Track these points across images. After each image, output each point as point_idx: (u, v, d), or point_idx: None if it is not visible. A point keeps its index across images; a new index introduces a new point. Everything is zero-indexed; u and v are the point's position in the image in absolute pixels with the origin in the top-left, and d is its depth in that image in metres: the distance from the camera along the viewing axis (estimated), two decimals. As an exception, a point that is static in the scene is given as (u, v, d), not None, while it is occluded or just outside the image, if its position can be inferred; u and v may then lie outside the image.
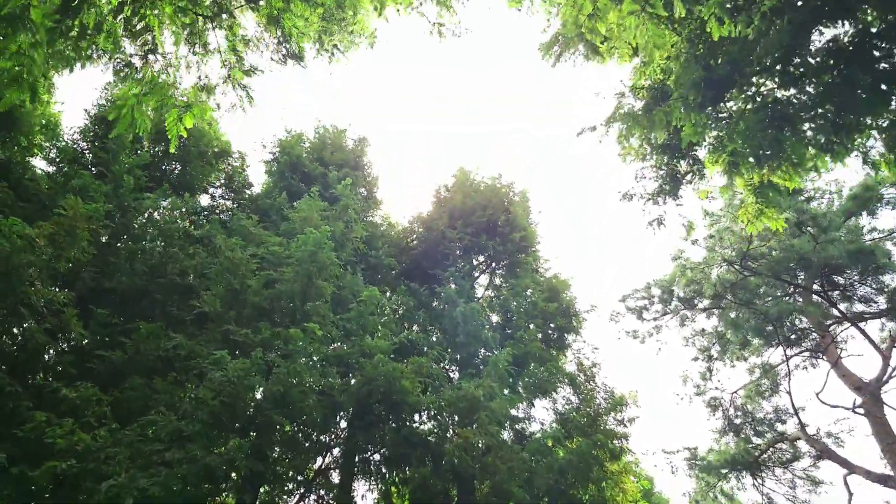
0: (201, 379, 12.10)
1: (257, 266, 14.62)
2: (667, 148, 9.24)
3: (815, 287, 16.85)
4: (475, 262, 21.96)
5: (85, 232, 12.75)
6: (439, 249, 21.01)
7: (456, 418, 13.89)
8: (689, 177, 9.45)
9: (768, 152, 8.08)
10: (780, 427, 20.69)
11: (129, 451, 11.03)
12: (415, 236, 22.33)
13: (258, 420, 11.71)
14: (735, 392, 21.10)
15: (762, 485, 23.23)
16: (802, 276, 16.89)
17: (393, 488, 15.55)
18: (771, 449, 21.52)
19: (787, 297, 17.46)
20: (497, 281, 22.87)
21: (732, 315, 18.20)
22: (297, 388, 11.98)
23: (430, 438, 13.94)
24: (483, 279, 23.14)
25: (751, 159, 8.26)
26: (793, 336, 17.75)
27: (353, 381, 13.61)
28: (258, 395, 11.83)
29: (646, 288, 21.91)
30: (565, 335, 20.88)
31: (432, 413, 13.68)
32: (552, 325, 20.54)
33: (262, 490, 11.60)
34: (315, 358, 12.28)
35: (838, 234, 15.56)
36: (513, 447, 15.40)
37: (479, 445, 15.32)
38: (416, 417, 14.18)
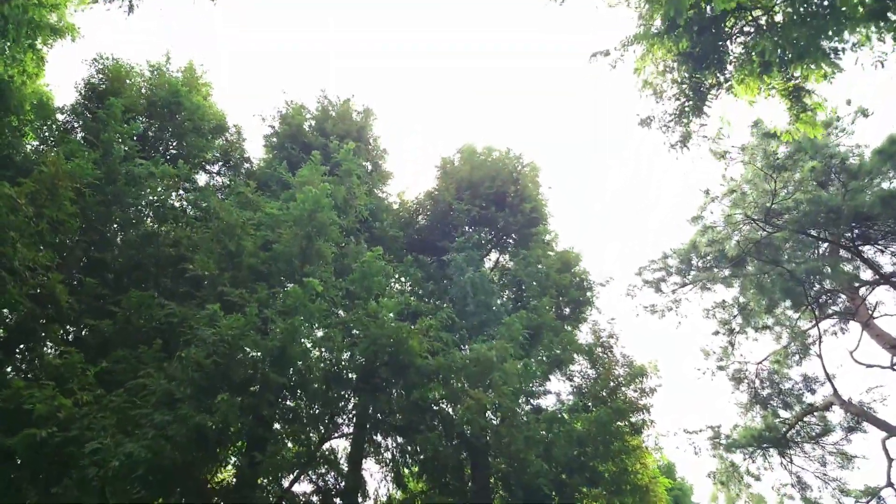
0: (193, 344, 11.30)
1: (254, 229, 13.84)
2: (689, 57, 8.37)
3: (845, 242, 15.84)
4: (484, 237, 21.03)
5: (68, 191, 12.01)
6: (447, 221, 20.17)
7: (466, 385, 12.99)
8: (715, 90, 8.55)
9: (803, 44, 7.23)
10: (809, 398, 19.65)
11: (115, 416, 10.25)
12: (421, 210, 21.50)
13: (255, 381, 10.88)
14: (760, 363, 20.07)
15: (790, 463, 22.17)
16: (831, 232, 15.90)
17: (405, 469, 14.71)
18: (800, 423, 20.46)
19: (816, 255, 16.46)
20: (507, 256, 21.95)
21: (757, 277, 17.19)
22: (297, 347, 11.14)
23: (441, 404, 13.05)
24: (493, 256, 22.24)
25: (787, 54, 7.39)
26: (822, 298, 16.72)
27: (357, 346, 12.72)
28: (254, 355, 10.97)
29: (662, 258, 20.91)
30: (580, 308, 19.97)
31: (442, 377, 12.76)
32: (566, 298, 19.63)
33: (262, 455, 10.72)
34: (316, 316, 11.42)
35: (868, 181, 14.62)
36: (528, 416, 14.51)
37: (493, 414, 14.47)
38: (426, 383, 13.26)
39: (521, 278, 18.98)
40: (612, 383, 16.42)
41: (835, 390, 17.32)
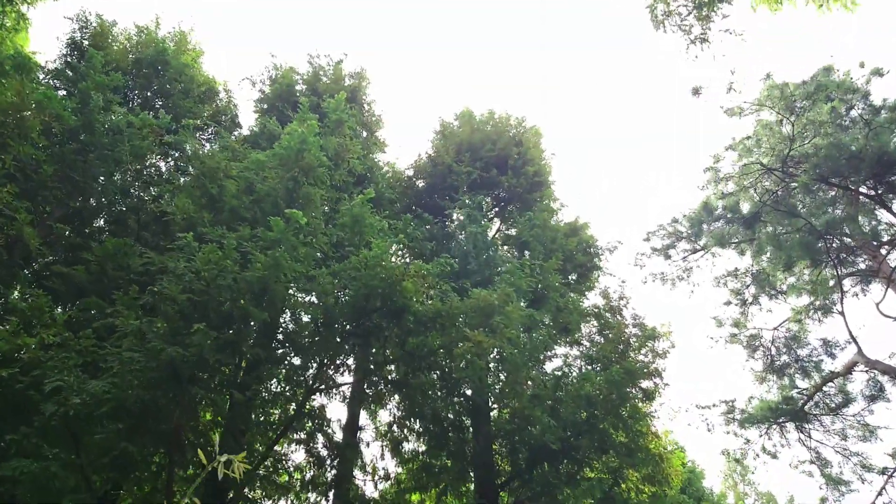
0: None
1: (237, 174, 12.96)
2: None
3: (867, 191, 14.87)
4: (486, 202, 20.09)
5: (35, 121, 11.15)
6: (446, 185, 19.23)
7: (467, 332, 12.03)
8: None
9: None
10: (828, 365, 18.64)
11: (80, 358, 9.35)
12: (419, 175, 20.59)
13: (235, 319, 9.95)
14: (777, 328, 19.07)
15: (809, 438, 21.14)
16: (852, 181, 14.95)
17: (403, 430, 13.79)
18: (819, 394, 19.44)
19: (837, 206, 15.48)
20: (509, 224, 21.00)
21: (773, 235, 16.19)
22: (280, 286, 10.23)
23: (439, 356, 12.11)
24: (495, 224, 21.28)
25: None
26: (842, 256, 15.74)
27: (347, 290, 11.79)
28: (234, 289, 10.03)
29: (672, 222, 19.92)
30: (587, 274, 19.05)
31: (440, 325, 11.81)
32: (572, 264, 18.71)
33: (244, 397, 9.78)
34: (300, 250, 10.50)
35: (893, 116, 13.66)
36: (534, 376, 13.59)
37: (497, 368, 13.54)
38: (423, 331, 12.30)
39: (525, 240, 18.01)
40: (621, 346, 15.48)
41: (859, 348, 16.31)
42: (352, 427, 14.55)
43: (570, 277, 19.07)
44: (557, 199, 20.87)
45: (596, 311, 16.62)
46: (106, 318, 10.10)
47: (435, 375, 12.50)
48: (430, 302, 11.85)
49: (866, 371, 17.82)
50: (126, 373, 8.68)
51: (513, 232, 20.12)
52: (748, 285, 21.37)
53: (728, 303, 21.83)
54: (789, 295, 17.90)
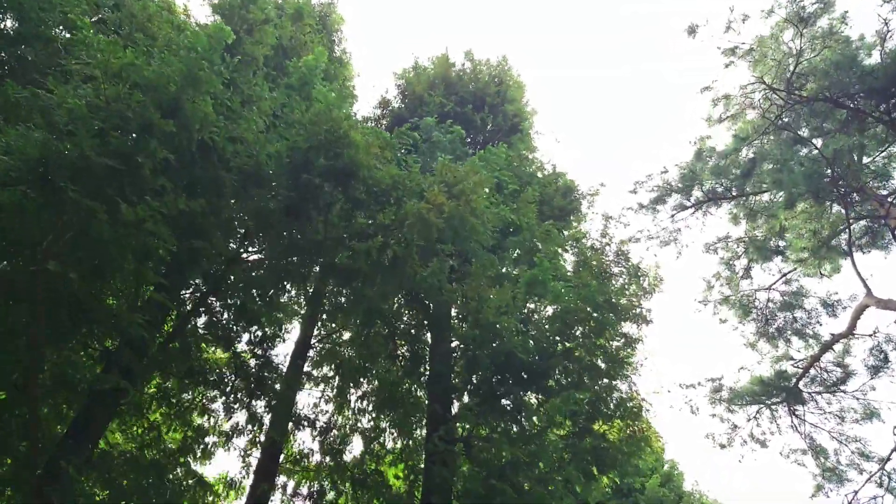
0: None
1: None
2: None
3: (881, 114, 13.38)
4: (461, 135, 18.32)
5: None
6: (416, 117, 17.49)
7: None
8: None
9: None
10: (829, 327, 16.91)
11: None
12: (385, 115, 18.85)
13: (134, 126, 7.92)
14: (772, 286, 17.35)
15: (802, 422, 19.25)
16: (865, 102, 13.50)
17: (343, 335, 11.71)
18: (815, 367, 17.64)
19: (846, 130, 13.95)
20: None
21: (773, 172, 14.63)
22: (198, 107, 8.30)
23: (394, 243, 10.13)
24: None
25: None
26: (852, 191, 14.14)
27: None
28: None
29: (661, 173, 18.27)
30: (565, 218, 17.28)
31: (396, 198, 9.90)
32: (549, 207, 16.97)
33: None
34: (219, 67, 8.60)
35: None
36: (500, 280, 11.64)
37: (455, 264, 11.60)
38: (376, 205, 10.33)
39: (499, 178, 16.30)
40: (603, 274, 13.64)
41: (868, 290, 14.59)
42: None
43: (547, 223, 17.35)
44: (538, 149, 19.28)
45: (575, 243, 14.85)
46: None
47: (385, 260, 10.47)
48: (385, 169, 9.95)
49: (871, 336, 16.12)
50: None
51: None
52: (740, 256, 19.77)
53: (717, 275, 20.22)
54: (789, 251, 16.21)
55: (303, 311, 13.90)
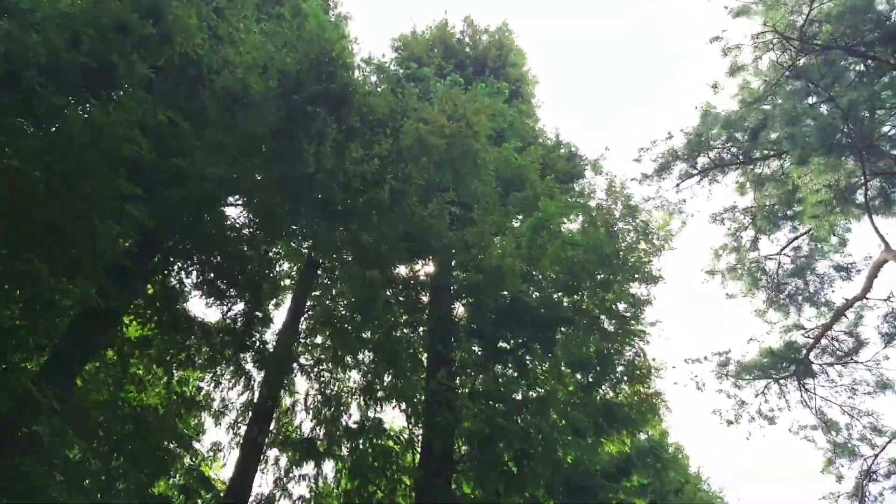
0: None
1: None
2: None
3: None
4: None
5: None
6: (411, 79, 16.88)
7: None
8: None
9: None
10: (842, 293, 16.29)
11: None
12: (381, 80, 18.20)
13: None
14: (783, 250, 16.76)
15: (813, 396, 18.61)
16: (882, 51, 12.95)
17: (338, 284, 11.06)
18: (827, 336, 17.03)
19: (863, 79, 13.41)
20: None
21: (785, 128, 14.06)
22: (181, 21, 7.69)
23: (391, 177, 9.49)
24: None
25: None
26: (865, 155, 13.56)
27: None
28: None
29: (666, 139, 17.66)
30: (570, 183, 16.69)
31: (393, 129, 9.26)
32: (553, 171, 16.38)
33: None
34: None
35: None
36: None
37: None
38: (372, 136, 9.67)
39: (502, 128, 15.66)
40: (611, 230, 13.03)
41: (886, 244, 14.01)
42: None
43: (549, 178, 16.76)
44: (540, 119, 18.71)
45: (582, 203, 14.23)
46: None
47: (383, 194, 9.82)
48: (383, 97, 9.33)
49: (886, 300, 15.52)
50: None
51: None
52: (747, 227, 19.20)
53: (725, 247, 19.64)
54: (803, 207, 15.56)
55: (294, 272, 13.29)
